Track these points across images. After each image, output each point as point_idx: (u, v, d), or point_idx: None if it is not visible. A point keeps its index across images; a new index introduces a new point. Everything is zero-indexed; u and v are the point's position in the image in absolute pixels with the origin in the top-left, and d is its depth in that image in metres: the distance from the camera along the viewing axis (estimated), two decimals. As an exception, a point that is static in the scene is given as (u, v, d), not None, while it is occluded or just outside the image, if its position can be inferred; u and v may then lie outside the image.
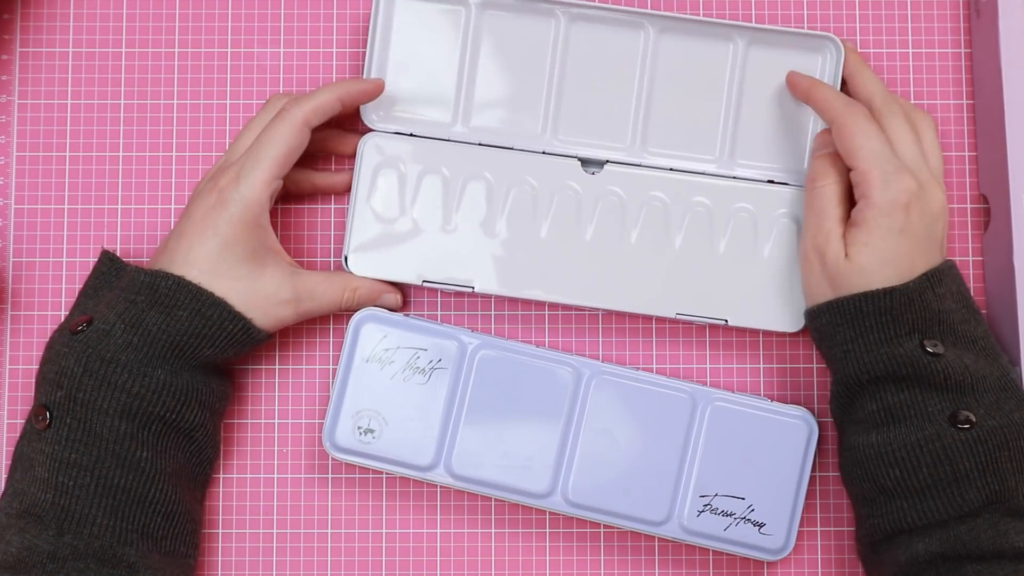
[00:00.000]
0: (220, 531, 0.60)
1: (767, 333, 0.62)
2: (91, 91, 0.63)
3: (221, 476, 0.61)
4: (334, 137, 0.61)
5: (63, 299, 0.62)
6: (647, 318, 0.62)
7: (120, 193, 0.63)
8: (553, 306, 0.62)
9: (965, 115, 0.63)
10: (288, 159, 0.56)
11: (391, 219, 0.61)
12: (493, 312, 0.62)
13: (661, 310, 0.60)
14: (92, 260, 0.62)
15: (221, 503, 0.61)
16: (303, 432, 0.61)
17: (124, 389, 0.53)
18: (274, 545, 0.61)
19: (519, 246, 0.61)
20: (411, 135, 0.61)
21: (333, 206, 0.63)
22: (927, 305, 0.55)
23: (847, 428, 0.56)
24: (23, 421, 0.61)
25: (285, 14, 0.64)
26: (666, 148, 0.62)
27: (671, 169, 0.61)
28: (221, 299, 0.55)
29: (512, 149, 0.61)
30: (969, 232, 0.62)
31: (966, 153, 0.63)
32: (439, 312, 0.62)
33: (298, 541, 0.61)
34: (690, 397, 0.59)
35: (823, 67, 0.61)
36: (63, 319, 0.58)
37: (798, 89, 0.60)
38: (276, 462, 0.61)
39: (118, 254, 0.62)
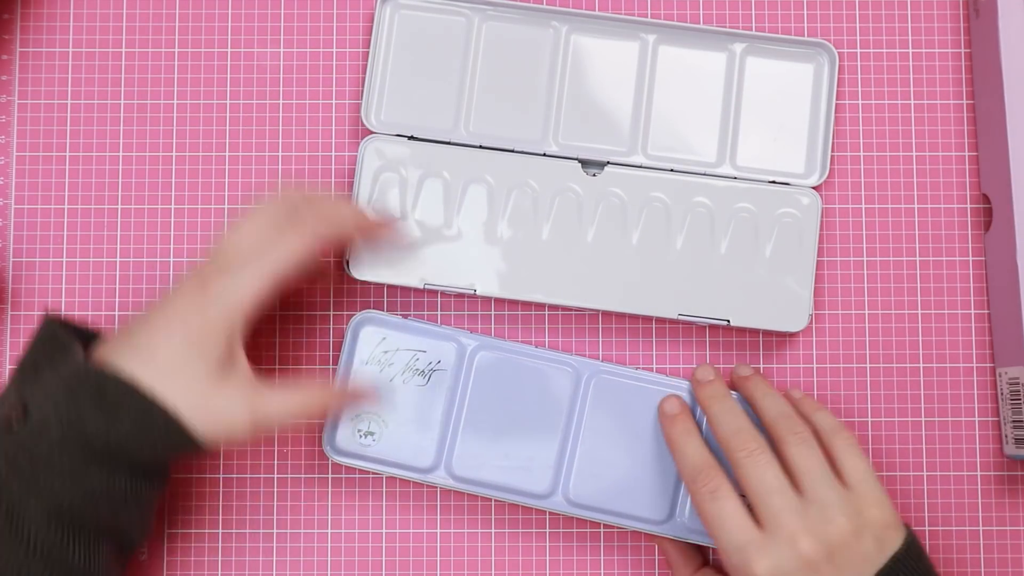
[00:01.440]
0: (220, 531, 0.60)
1: (768, 333, 0.62)
2: (91, 91, 0.63)
3: (221, 476, 0.61)
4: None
5: (63, 299, 0.62)
6: (648, 319, 0.62)
7: (120, 193, 0.63)
8: (554, 307, 0.62)
9: (965, 115, 0.63)
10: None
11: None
12: (494, 312, 0.62)
13: (663, 311, 0.60)
14: (92, 260, 0.62)
15: (221, 503, 0.61)
16: (303, 432, 0.61)
17: (55, 494, 0.48)
18: (274, 545, 0.61)
19: (520, 248, 0.60)
20: (411, 138, 0.61)
21: (333, 206, 0.62)
22: None
23: None
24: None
25: (285, 14, 0.64)
26: (666, 149, 0.62)
27: (672, 170, 0.61)
28: (172, 413, 0.49)
29: (512, 152, 0.61)
30: (969, 232, 0.62)
31: (966, 153, 0.63)
32: (439, 313, 0.62)
33: (298, 541, 0.61)
34: (690, 396, 0.59)
35: (817, 73, 0.62)
36: None
37: (697, 387, 0.58)
38: (276, 462, 0.61)
39: (117, 253, 0.62)
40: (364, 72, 0.62)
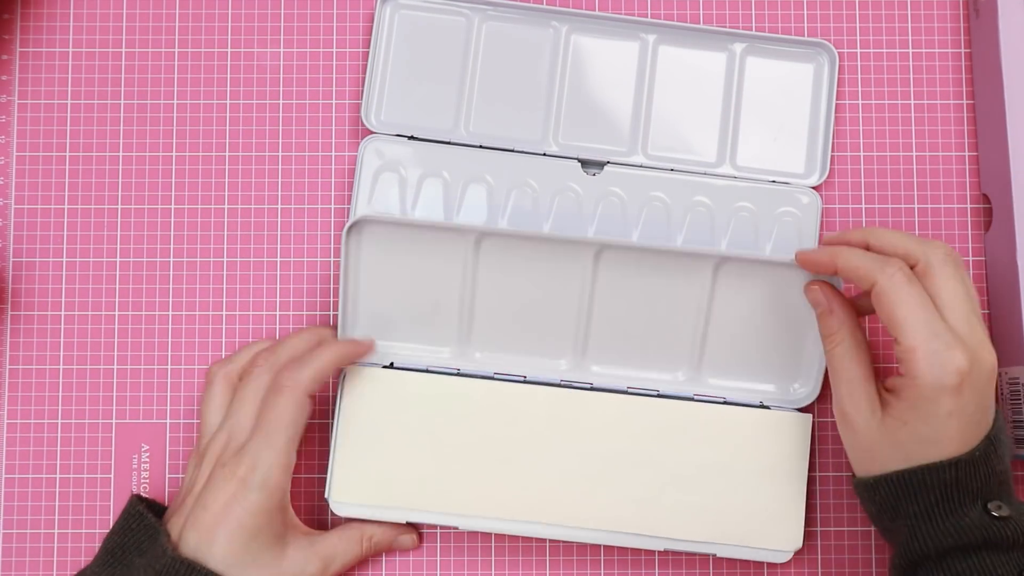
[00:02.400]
0: None
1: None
2: (91, 91, 0.63)
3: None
4: None
5: (63, 299, 0.62)
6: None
7: (120, 193, 0.63)
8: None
9: (965, 115, 0.63)
10: (299, 435, 0.54)
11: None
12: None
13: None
14: (92, 260, 0.62)
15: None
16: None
17: None
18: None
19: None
20: (411, 138, 0.61)
21: (333, 206, 0.62)
22: (992, 469, 0.52)
23: None
24: (23, 421, 0.61)
25: (285, 14, 0.64)
26: (666, 149, 0.62)
27: (671, 170, 0.61)
28: None
29: (512, 152, 0.61)
30: (970, 232, 0.62)
31: (966, 153, 0.63)
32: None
33: None
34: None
35: (817, 73, 0.62)
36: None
37: (821, 266, 0.55)
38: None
39: (117, 253, 0.62)
40: (364, 72, 0.62)
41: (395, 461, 0.58)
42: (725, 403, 0.59)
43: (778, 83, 0.62)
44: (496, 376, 0.59)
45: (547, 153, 0.61)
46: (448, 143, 0.61)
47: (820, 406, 0.61)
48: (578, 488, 0.58)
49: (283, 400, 0.54)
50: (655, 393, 0.59)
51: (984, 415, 0.52)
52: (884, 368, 0.62)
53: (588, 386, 0.59)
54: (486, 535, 0.61)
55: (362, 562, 0.59)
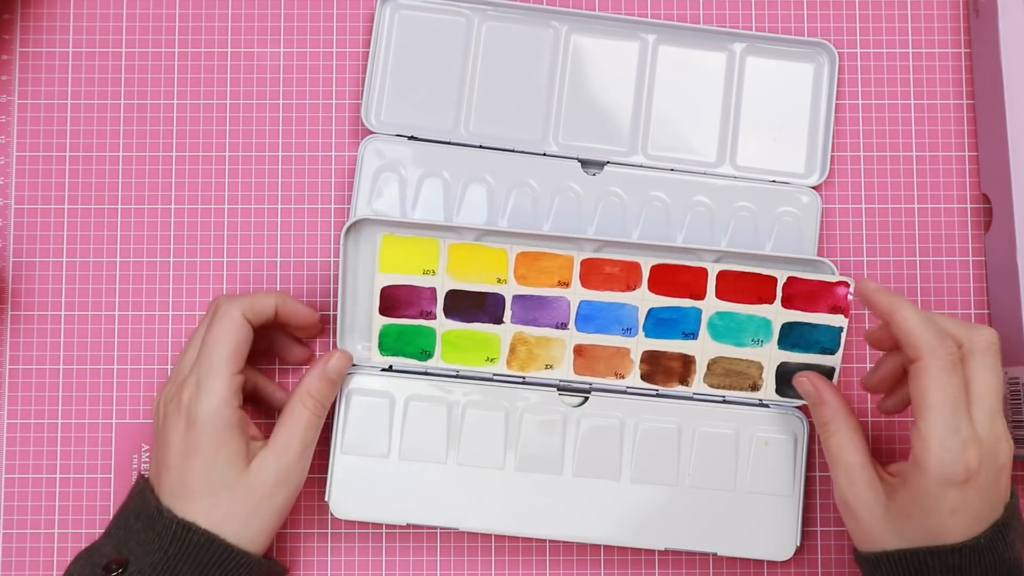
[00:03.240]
0: None
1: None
2: (91, 91, 0.63)
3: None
4: (281, 344, 0.61)
5: (63, 299, 0.62)
6: None
7: (120, 193, 0.63)
8: None
9: (965, 115, 0.63)
10: (239, 355, 0.55)
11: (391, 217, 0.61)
12: None
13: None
14: (92, 260, 0.62)
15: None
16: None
17: None
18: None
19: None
20: (411, 138, 0.61)
21: (333, 206, 0.62)
22: (998, 557, 0.51)
23: None
24: (23, 421, 0.61)
25: (285, 14, 0.64)
26: (666, 149, 0.62)
27: (671, 170, 0.61)
28: (245, 552, 0.53)
29: (512, 151, 0.61)
30: (970, 232, 0.62)
31: (966, 153, 0.63)
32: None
33: None
34: None
35: (817, 73, 0.62)
36: (89, 546, 0.55)
37: (878, 307, 0.53)
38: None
39: (117, 253, 0.62)
40: (364, 72, 0.62)
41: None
42: (724, 402, 0.59)
43: (778, 83, 0.62)
44: (495, 378, 0.59)
45: (547, 153, 0.61)
46: (448, 143, 0.61)
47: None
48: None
49: (217, 323, 0.55)
50: (654, 392, 0.59)
51: (992, 507, 0.51)
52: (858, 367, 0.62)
53: (586, 390, 0.59)
54: (486, 535, 0.61)
55: (322, 415, 0.57)
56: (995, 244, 0.61)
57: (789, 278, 0.59)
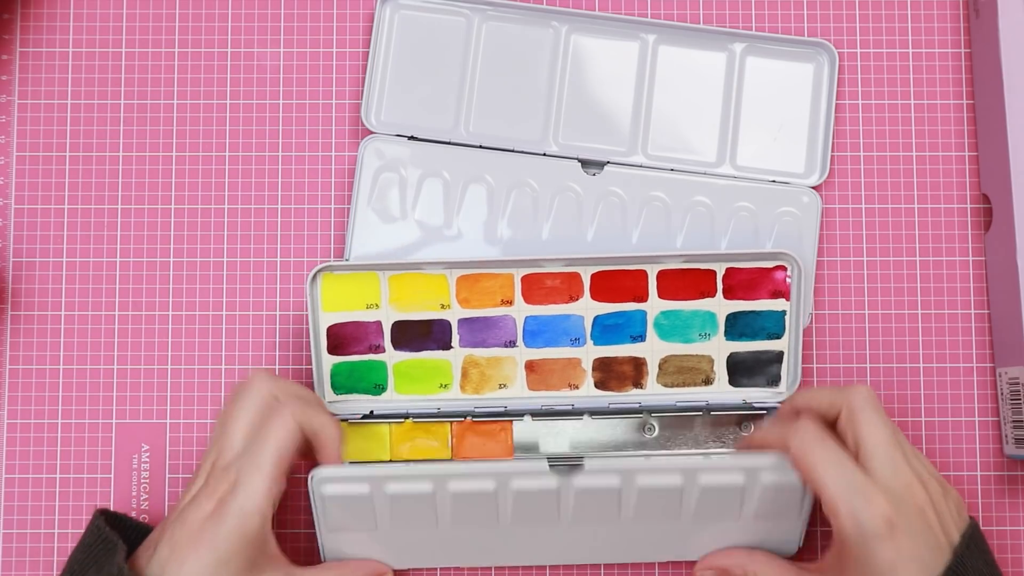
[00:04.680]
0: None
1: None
2: (91, 91, 0.63)
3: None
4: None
5: (63, 299, 0.62)
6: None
7: (120, 193, 0.63)
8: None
9: (965, 115, 0.63)
10: (289, 461, 0.52)
11: (392, 223, 0.61)
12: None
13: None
14: (92, 260, 0.62)
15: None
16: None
17: None
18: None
19: (521, 249, 0.61)
20: (411, 138, 0.61)
21: (333, 206, 0.62)
22: None
23: None
24: (23, 421, 0.61)
25: (285, 14, 0.64)
26: (666, 149, 0.62)
27: (671, 170, 0.61)
28: None
29: (512, 152, 0.61)
30: (969, 232, 0.62)
31: (966, 153, 0.63)
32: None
33: None
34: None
35: (817, 73, 0.62)
36: None
37: (752, 449, 0.55)
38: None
39: (117, 253, 0.62)
40: (364, 72, 0.62)
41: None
42: (707, 407, 0.59)
43: (778, 83, 0.62)
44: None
45: (547, 153, 0.61)
46: (448, 143, 0.61)
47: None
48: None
49: (279, 421, 0.52)
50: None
51: (935, 550, 0.50)
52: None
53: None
54: (486, 568, 0.61)
55: None
56: (995, 244, 0.61)
57: (728, 269, 0.59)
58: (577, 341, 0.59)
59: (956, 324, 0.62)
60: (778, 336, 0.59)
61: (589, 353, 0.59)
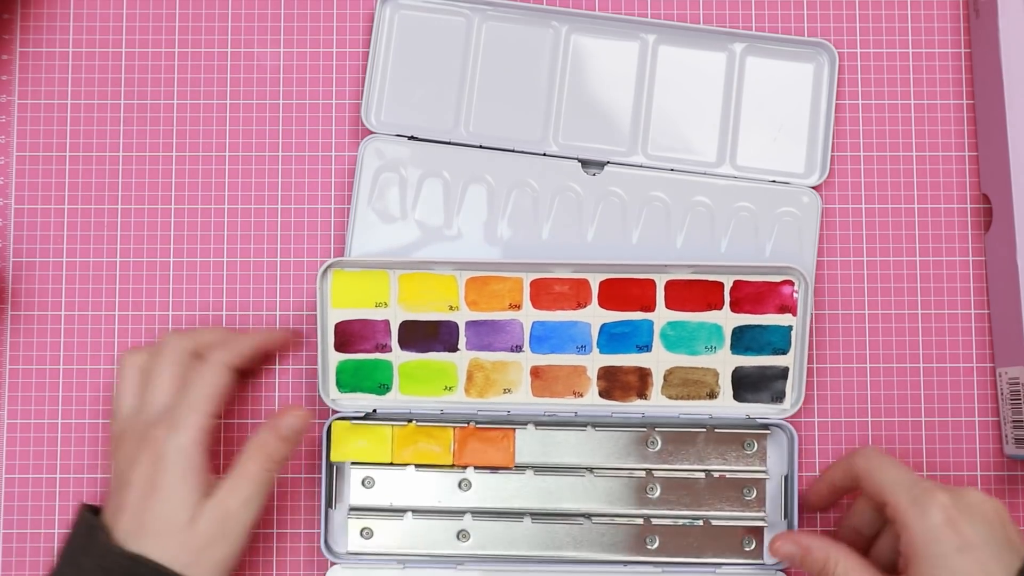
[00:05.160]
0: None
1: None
2: (91, 91, 0.63)
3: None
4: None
5: (63, 299, 0.62)
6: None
7: (120, 193, 0.63)
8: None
9: (965, 115, 0.63)
10: (219, 399, 0.55)
11: (392, 223, 0.61)
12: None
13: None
14: (92, 260, 0.62)
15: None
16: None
17: None
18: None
19: (521, 248, 0.60)
20: (411, 138, 0.61)
21: (333, 206, 0.62)
22: None
23: None
24: (23, 421, 0.61)
25: (285, 14, 0.64)
26: (666, 149, 0.62)
27: (672, 170, 0.61)
28: None
29: (512, 152, 0.61)
30: (969, 232, 0.62)
31: (966, 153, 0.63)
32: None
33: None
34: None
35: (817, 73, 0.62)
36: None
37: (820, 500, 0.58)
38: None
39: (117, 253, 0.62)
40: (364, 72, 0.62)
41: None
42: (711, 421, 0.60)
43: (778, 83, 0.62)
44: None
45: (547, 153, 0.61)
46: (448, 143, 0.61)
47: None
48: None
49: (205, 369, 0.55)
50: (640, 416, 0.60)
51: (1003, 549, 0.50)
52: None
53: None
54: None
55: (272, 471, 0.55)
56: (995, 244, 0.61)
57: (736, 282, 0.59)
58: (583, 348, 0.59)
59: (956, 324, 0.62)
60: (784, 352, 0.59)
61: (595, 361, 0.59)
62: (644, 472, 0.59)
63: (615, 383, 0.60)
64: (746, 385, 0.59)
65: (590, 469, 0.59)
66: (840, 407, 0.61)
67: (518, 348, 0.59)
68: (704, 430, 0.59)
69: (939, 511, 0.50)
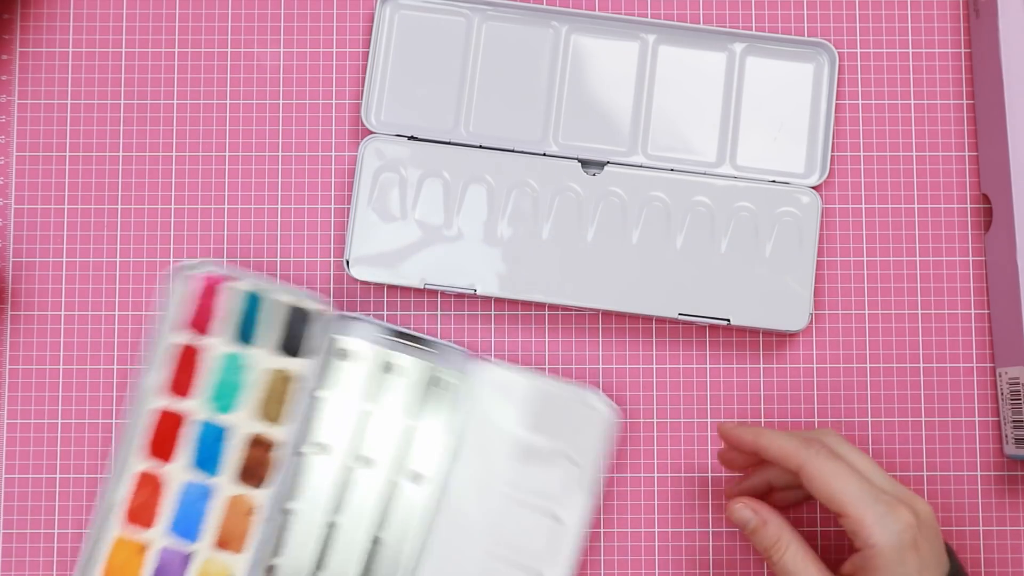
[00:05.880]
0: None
1: (768, 332, 0.62)
2: (91, 91, 0.63)
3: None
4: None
5: (63, 299, 0.62)
6: (648, 318, 0.62)
7: (120, 193, 0.63)
8: (554, 307, 0.62)
9: (965, 115, 0.63)
10: None
11: (392, 223, 0.61)
12: (494, 312, 0.62)
13: (663, 311, 0.60)
14: (92, 260, 0.62)
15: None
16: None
17: None
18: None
19: (521, 248, 0.61)
20: (411, 138, 0.61)
21: (333, 206, 0.62)
22: None
23: None
24: (23, 421, 0.61)
25: (285, 14, 0.64)
26: (666, 149, 0.62)
27: (671, 170, 0.61)
28: None
29: (512, 152, 0.61)
30: (969, 232, 0.62)
31: (966, 153, 0.63)
32: (439, 313, 0.62)
33: None
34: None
35: (817, 73, 0.62)
36: None
37: (743, 443, 0.55)
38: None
39: (117, 253, 0.62)
40: (364, 72, 0.62)
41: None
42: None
43: (778, 83, 0.62)
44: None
45: (547, 153, 0.61)
46: (448, 143, 0.61)
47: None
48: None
49: None
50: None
51: (940, 563, 0.52)
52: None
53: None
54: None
55: None
56: (995, 244, 0.61)
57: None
58: None
59: (956, 324, 0.62)
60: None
61: None
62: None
63: None
64: None
65: None
66: (840, 407, 0.61)
67: None
68: None
69: (906, 532, 0.50)
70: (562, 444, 0.59)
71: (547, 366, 0.61)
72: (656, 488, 0.61)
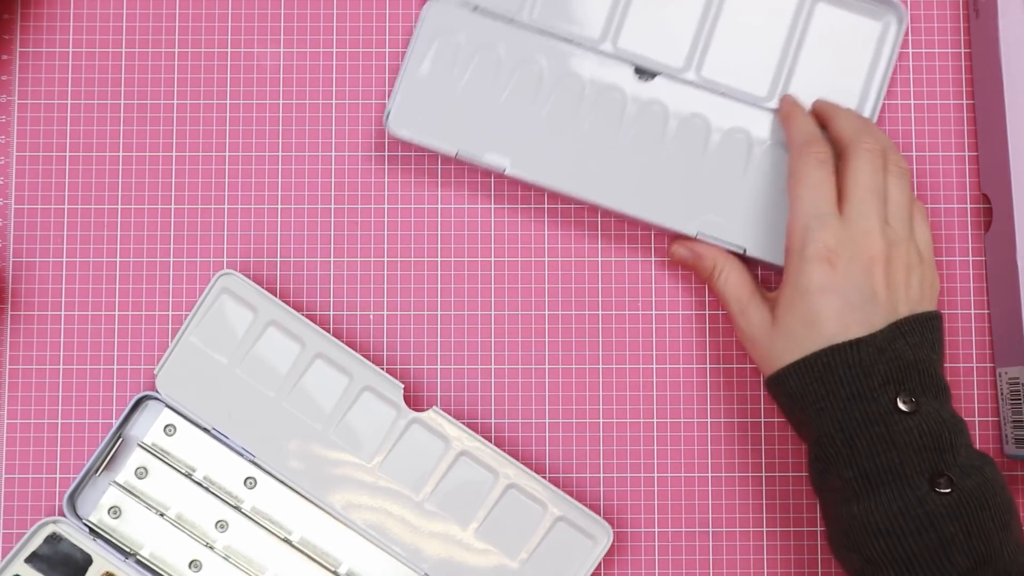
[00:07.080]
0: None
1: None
2: (91, 91, 0.63)
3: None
4: None
5: (63, 299, 0.62)
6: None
7: (120, 193, 0.63)
8: (579, 202, 0.61)
9: (965, 115, 0.63)
10: None
11: (439, 88, 0.61)
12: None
13: (683, 227, 0.60)
14: (92, 260, 0.62)
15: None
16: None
17: None
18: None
19: (556, 137, 0.60)
20: (476, 9, 0.61)
21: (333, 206, 0.62)
22: (900, 355, 0.52)
23: (827, 497, 0.53)
24: (23, 421, 0.61)
25: (285, 14, 0.64)
26: (719, 73, 0.61)
27: (721, 94, 0.61)
28: None
29: (570, 42, 0.61)
30: (969, 232, 0.62)
31: (966, 153, 0.63)
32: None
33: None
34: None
35: (884, 32, 0.61)
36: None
37: (780, 112, 0.60)
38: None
39: (117, 253, 0.62)
40: (364, 72, 0.63)
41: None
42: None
43: (842, 34, 0.61)
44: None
45: (603, 51, 0.61)
46: (510, 21, 0.61)
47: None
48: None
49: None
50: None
51: (868, 307, 0.53)
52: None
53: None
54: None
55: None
56: (995, 244, 0.61)
57: None
58: None
59: (956, 324, 0.62)
60: None
61: None
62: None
63: None
64: None
65: None
66: (840, 407, 0.61)
67: None
68: None
69: (819, 248, 0.53)
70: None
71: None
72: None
